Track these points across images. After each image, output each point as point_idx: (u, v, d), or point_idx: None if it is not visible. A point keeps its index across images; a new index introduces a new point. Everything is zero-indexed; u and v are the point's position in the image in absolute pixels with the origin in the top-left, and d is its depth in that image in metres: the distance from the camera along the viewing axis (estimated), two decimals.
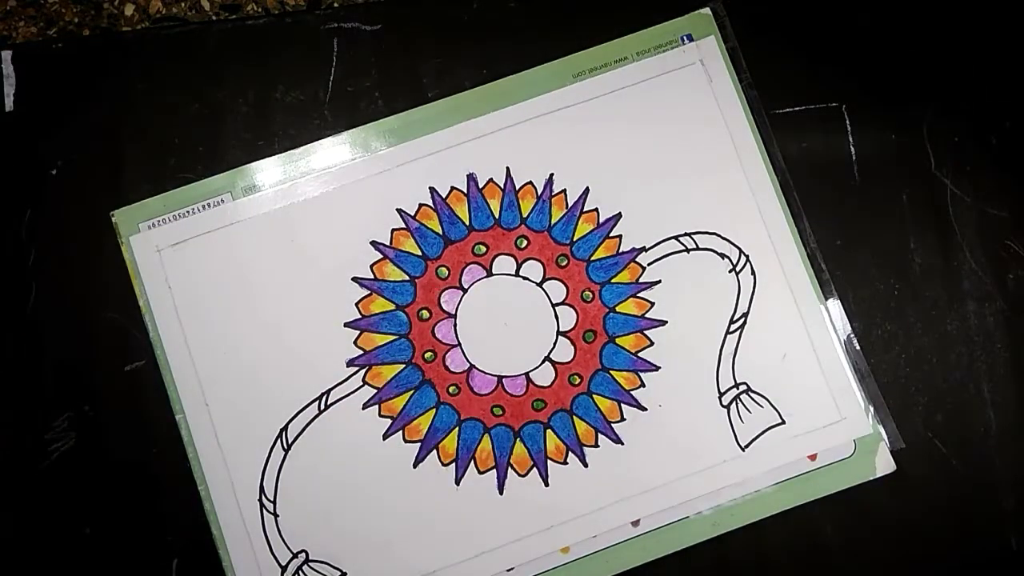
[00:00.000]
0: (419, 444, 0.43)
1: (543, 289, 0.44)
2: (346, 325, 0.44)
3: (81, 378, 0.43)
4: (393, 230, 0.45)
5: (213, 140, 0.46)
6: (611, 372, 0.44)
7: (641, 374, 0.44)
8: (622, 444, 0.43)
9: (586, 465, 0.43)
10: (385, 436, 0.43)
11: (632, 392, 0.44)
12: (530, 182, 0.45)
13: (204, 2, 0.49)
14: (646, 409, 0.44)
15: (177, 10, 0.49)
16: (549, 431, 0.43)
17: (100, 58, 0.46)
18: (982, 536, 0.44)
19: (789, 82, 0.47)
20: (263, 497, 0.43)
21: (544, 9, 0.47)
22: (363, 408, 0.43)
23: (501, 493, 0.43)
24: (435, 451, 0.43)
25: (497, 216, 0.45)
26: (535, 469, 0.43)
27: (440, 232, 0.45)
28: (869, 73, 0.47)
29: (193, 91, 0.46)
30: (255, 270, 0.44)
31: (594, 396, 0.44)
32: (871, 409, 0.44)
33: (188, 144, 0.46)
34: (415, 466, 0.43)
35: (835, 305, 0.45)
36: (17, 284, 0.45)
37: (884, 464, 0.44)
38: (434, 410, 0.44)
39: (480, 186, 0.45)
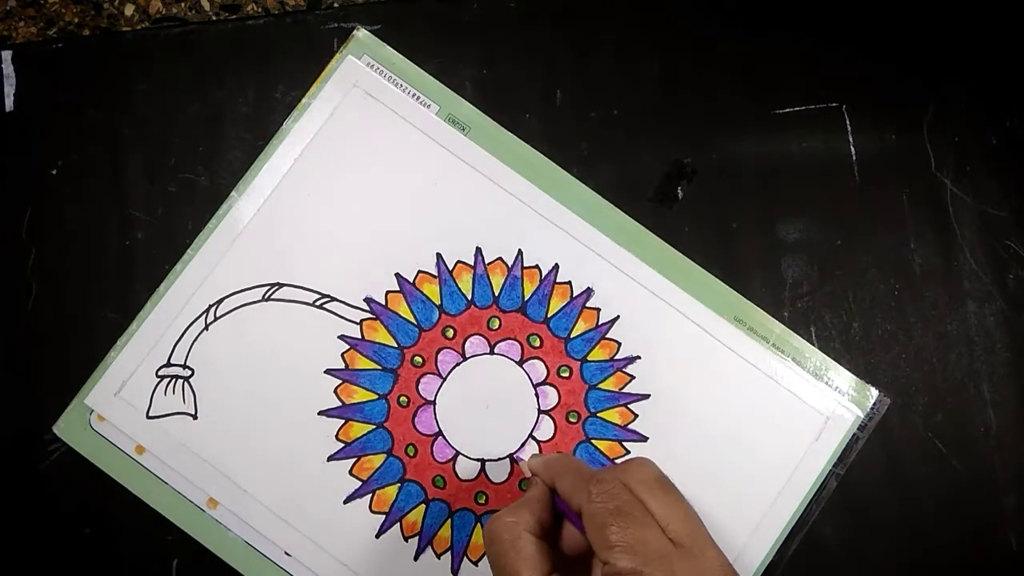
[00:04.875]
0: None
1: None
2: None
3: (81, 378, 0.43)
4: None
5: (213, 140, 0.46)
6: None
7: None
8: None
9: None
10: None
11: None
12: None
13: (204, 2, 0.49)
14: None
15: (177, 10, 0.49)
16: None
17: (100, 58, 0.46)
18: (982, 536, 0.44)
19: (789, 82, 0.47)
20: None
21: (544, 9, 0.47)
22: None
23: None
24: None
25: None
26: None
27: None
28: (869, 73, 0.47)
29: (193, 91, 0.46)
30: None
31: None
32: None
33: (188, 144, 0.46)
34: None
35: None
36: (17, 284, 0.45)
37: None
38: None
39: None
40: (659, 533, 0.33)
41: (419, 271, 0.44)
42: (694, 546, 0.33)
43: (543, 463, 0.39)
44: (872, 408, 0.44)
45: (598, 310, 0.44)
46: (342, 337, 0.44)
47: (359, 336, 0.44)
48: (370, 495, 0.43)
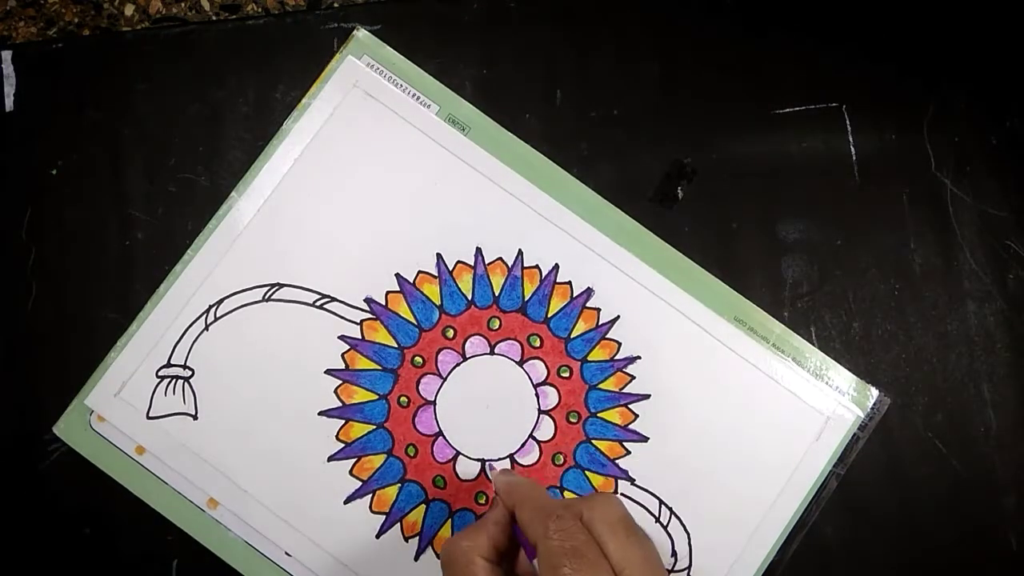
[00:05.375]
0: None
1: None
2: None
3: (81, 378, 0.43)
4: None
5: (213, 140, 0.46)
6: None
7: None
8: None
9: None
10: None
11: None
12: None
13: (204, 2, 0.49)
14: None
15: (177, 10, 0.49)
16: None
17: (100, 58, 0.46)
18: (982, 536, 0.44)
19: (789, 82, 0.47)
20: None
21: (544, 9, 0.47)
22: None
23: None
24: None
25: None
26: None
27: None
28: (869, 73, 0.47)
29: (193, 91, 0.46)
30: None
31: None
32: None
33: (188, 144, 0.46)
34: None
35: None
36: (17, 284, 0.45)
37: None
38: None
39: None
40: None
41: (419, 271, 0.44)
42: None
43: (508, 486, 0.38)
44: (872, 408, 0.44)
45: (598, 310, 0.44)
46: (342, 337, 0.44)
47: (359, 336, 0.44)
48: (370, 495, 0.43)
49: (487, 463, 0.44)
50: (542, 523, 0.34)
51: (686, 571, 0.43)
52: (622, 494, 0.43)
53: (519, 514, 0.36)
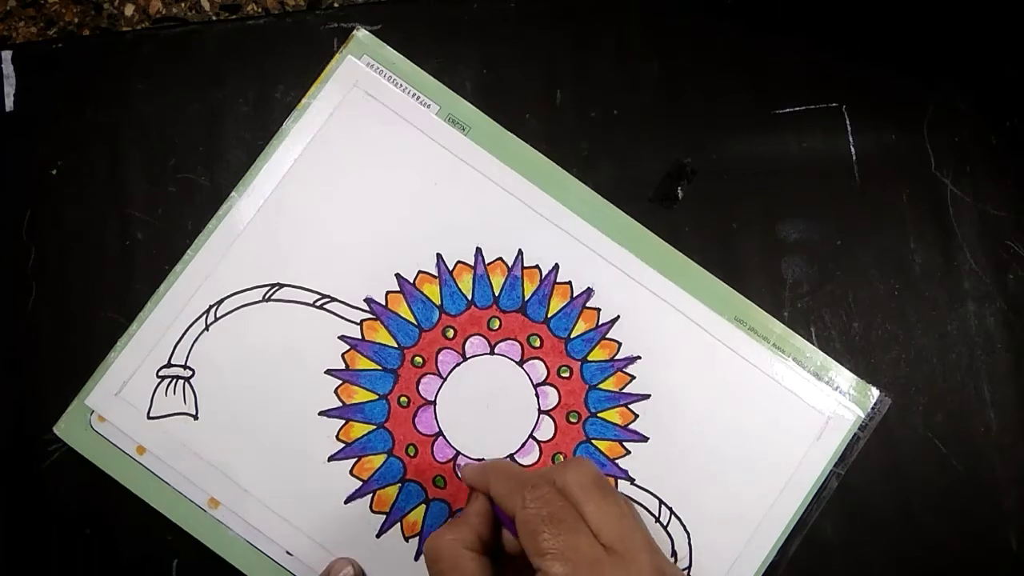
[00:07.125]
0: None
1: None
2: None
3: (81, 378, 0.43)
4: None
5: (213, 140, 0.46)
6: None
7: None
8: None
9: None
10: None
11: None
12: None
13: (204, 2, 0.49)
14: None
15: (177, 10, 0.49)
16: None
17: (100, 58, 0.46)
18: (982, 536, 0.44)
19: (789, 82, 0.47)
20: None
21: (544, 9, 0.47)
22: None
23: None
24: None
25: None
26: None
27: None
28: (869, 73, 0.47)
29: (193, 91, 0.46)
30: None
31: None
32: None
33: (188, 144, 0.46)
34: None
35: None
36: (17, 284, 0.45)
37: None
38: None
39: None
40: (591, 539, 0.32)
41: (419, 271, 0.44)
42: (626, 552, 0.32)
43: (478, 471, 0.38)
44: (873, 408, 0.44)
45: (598, 310, 0.44)
46: (342, 337, 0.44)
47: (359, 336, 0.44)
48: (371, 495, 0.43)
49: (457, 462, 0.43)
50: (517, 494, 0.34)
51: (686, 571, 0.43)
52: (621, 494, 0.43)
53: (494, 490, 0.36)
